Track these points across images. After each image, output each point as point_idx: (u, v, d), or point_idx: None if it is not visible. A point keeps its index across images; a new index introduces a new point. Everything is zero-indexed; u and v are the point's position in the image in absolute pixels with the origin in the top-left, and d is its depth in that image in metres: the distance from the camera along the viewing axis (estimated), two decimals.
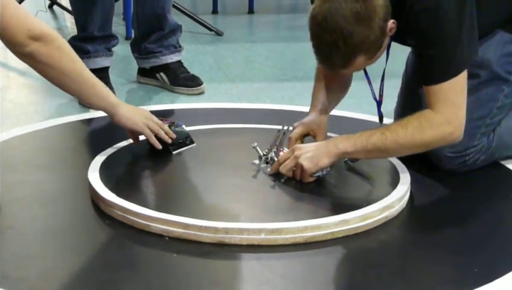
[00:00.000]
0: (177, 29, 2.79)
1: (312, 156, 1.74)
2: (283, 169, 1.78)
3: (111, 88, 2.43)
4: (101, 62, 2.65)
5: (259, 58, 3.38)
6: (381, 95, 1.92)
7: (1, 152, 2.02)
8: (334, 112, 2.02)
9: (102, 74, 2.56)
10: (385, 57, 1.81)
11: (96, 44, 2.63)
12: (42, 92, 2.73)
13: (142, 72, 2.85)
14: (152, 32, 2.75)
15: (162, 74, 2.78)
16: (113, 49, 2.71)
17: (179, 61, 2.81)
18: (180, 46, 2.81)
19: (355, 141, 1.73)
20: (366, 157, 1.79)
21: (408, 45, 1.85)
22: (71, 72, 1.78)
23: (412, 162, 1.88)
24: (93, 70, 2.57)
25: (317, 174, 1.78)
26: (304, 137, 1.91)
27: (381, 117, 1.95)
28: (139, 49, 2.79)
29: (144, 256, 1.54)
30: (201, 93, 2.74)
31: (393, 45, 1.79)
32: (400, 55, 2.07)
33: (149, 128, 1.90)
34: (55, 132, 2.25)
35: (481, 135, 1.91)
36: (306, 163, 1.74)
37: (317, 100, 1.95)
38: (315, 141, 1.89)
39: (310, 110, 1.96)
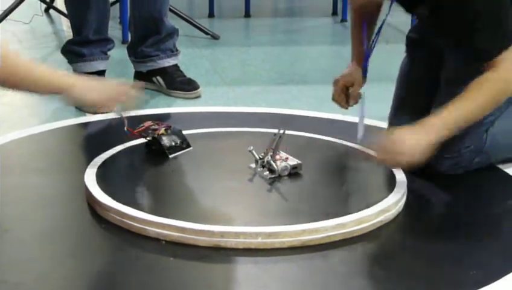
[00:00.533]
0: (173, 32, 2.79)
1: (413, 154, 1.75)
2: (379, 159, 1.81)
3: None
4: (96, 66, 2.65)
5: (255, 62, 3.38)
6: (370, 49, 1.99)
7: None
8: (330, 115, 2.02)
9: (98, 77, 2.56)
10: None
11: (91, 47, 2.63)
12: (38, 96, 2.72)
13: (139, 76, 2.84)
14: (149, 36, 2.74)
15: (158, 77, 2.78)
16: (110, 52, 2.71)
17: (176, 65, 2.80)
18: (176, 50, 2.81)
19: (452, 124, 1.78)
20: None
21: (414, 13, 1.90)
22: (22, 81, 1.72)
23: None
24: (89, 74, 2.60)
25: None
26: (347, 88, 2.06)
27: (365, 70, 2.03)
28: (135, 52, 2.79)
29: (141, 260, 1.53)
30: (198, 97, 2.73)
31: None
32: (400, 58, 2.07)
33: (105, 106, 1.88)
34: (52, 135, 2.25)
35: (474, 136, 1.92)
36: (406, 163, 1.76)
37: (355, 49, 2.07)
38: (352, 89, 2.05)
39: (351, 60, 2.10)
